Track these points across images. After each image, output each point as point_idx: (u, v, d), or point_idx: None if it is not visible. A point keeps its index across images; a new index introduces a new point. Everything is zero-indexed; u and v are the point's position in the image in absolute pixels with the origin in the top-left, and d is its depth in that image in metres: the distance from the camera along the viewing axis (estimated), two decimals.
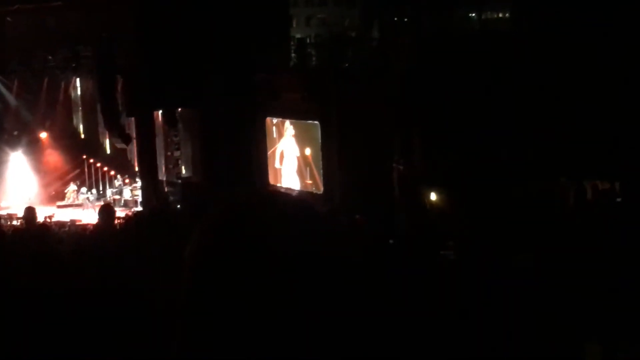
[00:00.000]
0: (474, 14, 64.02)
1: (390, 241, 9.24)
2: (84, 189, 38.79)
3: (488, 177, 24.84)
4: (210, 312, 1.45)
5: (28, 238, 10.27)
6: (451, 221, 21.92)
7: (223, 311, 1.44)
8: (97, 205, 33.03)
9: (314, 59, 36.51)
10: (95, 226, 12.20)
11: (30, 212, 11.51)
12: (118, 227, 14.68)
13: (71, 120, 42.18)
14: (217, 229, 1.50)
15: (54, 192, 39.54)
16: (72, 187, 39.17)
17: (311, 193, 31.28)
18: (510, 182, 24.21)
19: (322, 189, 31.19)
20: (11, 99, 38.66)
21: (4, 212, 35.23)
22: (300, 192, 31.53)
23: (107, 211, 10.13)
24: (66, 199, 38.78)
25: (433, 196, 26.35)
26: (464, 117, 25.23)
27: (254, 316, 1.42)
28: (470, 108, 25.21)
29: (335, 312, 1.44)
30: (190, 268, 1.50)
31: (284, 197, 1.58)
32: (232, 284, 1.44)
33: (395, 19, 61.41)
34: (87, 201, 37.96)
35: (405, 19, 60.30)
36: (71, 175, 40.01)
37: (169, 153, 37.51)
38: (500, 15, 62.36)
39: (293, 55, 36.57)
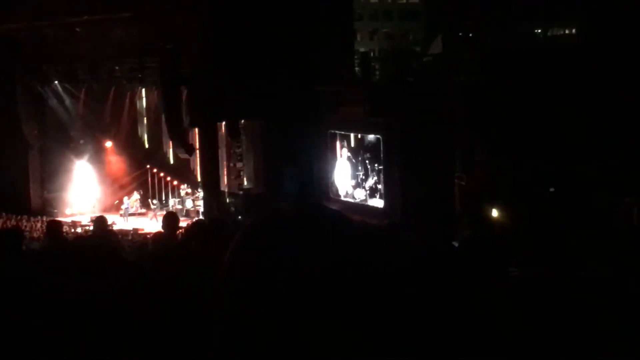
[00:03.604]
0: (539, 30, 63.50)
1: (455, 243, 9.10)
2: (126, 200, 39.07)
3: (551, 193, 24.49)
4: (244, 317, 1.49)
5: (96, 245, 10.38)
6: (514, 236, 21.63)
7: (255, 317, 1.47)
8: (159, 215, 33.41)
9: (377, 72, 36.45)
10: (156, 234, 12.25)
11: (101, 220, 11.59)
12: (179, 236, 14.76)
13: (136, 129, 42.58)
14: (251, 240, 1.55)
15: (117, 201, 39.96)
16: (136, 196, 39.57)
17: (372, 207, 31.17)
18: (574, 197, 23.84)
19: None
20: (78, 107, 39.22)
21: (68, 220, 35.68)
22: (361, 207, 31.43)
23: (170, 219, 10.17)
24: (130, 207, 39.14)
25: (494, 212, 26.04)
26: (527, 132, 24.94)
27: (280, 322, 1.45)
28: (534, 123, 24.92)
29: (361, 323, 1.46)
30: (227, 275, 1.54)
31: (322, 211, 1.60)
32: (262, 292, 1.47)
33: (460, 33, 61.30)
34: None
35: (470, 34, 60.17)
36: (134, 184, 40.42)
37: (231, 164, 37.73)
38: (567, 31, 61.82)
39: (357, 68, 36.55)
